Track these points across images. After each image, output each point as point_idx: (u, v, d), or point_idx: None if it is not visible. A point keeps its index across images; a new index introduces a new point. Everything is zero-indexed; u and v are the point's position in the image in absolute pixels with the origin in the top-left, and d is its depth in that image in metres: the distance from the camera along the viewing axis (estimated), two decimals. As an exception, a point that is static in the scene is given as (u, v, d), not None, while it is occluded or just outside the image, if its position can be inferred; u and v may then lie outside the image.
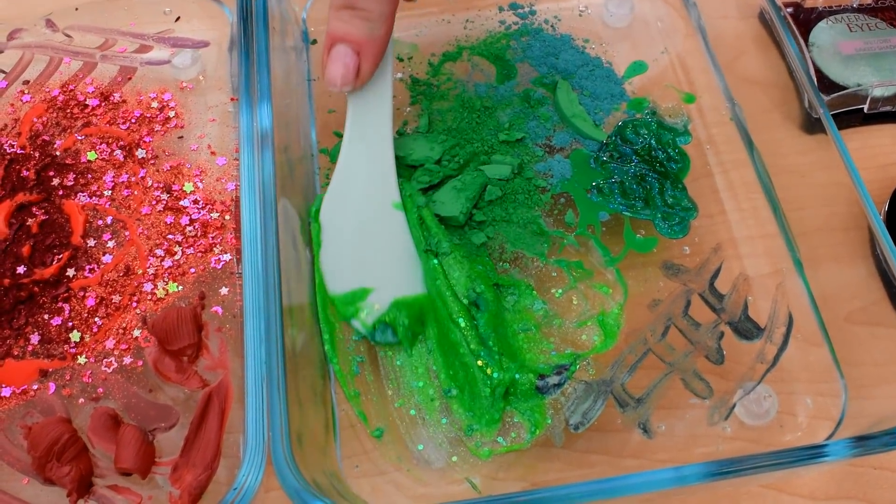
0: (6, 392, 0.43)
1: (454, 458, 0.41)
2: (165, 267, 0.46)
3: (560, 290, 0.45)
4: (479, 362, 0.42)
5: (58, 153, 0.50)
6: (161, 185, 0.48)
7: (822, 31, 0.55)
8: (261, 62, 0.46)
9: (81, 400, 0.43)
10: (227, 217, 0.47)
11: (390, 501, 0.40)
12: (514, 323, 0.44)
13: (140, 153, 0.49)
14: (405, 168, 0.48)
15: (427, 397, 0.43)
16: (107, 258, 0.46)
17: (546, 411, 0.42)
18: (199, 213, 0.47)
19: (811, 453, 0.36)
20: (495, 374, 0.42)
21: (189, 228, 0.47)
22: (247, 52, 0.46)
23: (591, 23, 0.55)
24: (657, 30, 0.55)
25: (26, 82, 0.53)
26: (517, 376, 0.42)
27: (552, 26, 0.54)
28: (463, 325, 0.43)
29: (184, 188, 0.48)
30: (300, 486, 0.34)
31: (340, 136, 0.49)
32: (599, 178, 0.48)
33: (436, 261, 0.44)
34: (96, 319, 0.44)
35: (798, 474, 0.43)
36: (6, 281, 0.45)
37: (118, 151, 0.50)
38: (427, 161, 0.48)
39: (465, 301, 0.43)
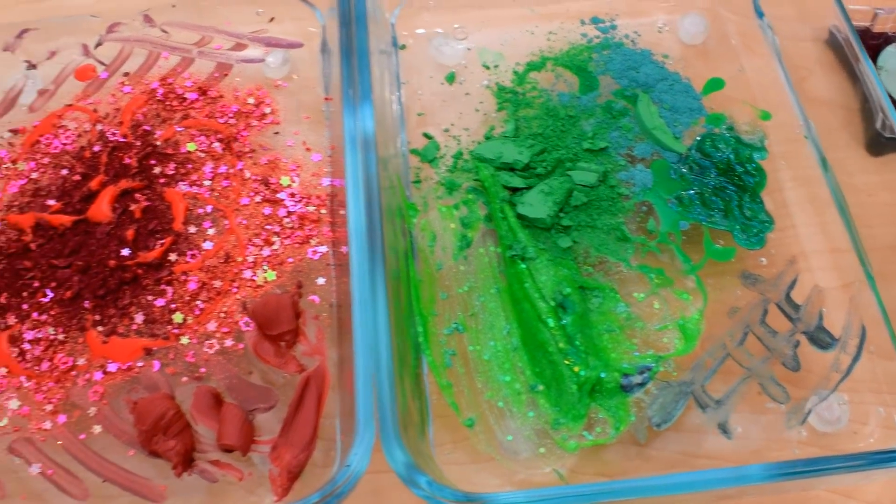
0: (112, 368, 0.45)
1: (541, 450, 0.43)
2: (264, 256, 0.48)
3: (642, 295, 0.47)
4: (567, 360, 0.44)
5: (158, 143, 0.52)
6: (258, 178, 0.50)
7: (891, 56, 0.57)
8: (361, 64, 0.48)
9: (185, 378, 0.44)
10: (323, 211, 0.49)
11: (481, 487, 0.42)
12: (598, 324, 0.46)
13: (237, 146, 0.51)
14: (494, 170, 0.50)
15: (514, 391, 0.45)
16: (207, 245, 0.48)
17: (630, 409, 0.44)
18: (296, 205, 0.49)
19: (881, 458, 0.38)
20: (582, 372, 0.43)
21: (286, 220, 0.49)
22: (347, 55, 0.48)
23: (669, 39, 0.57)
24: (732, 48, 0.57)
25: (126, 74, 0.55)
26: (602, 374, 0.44)
27: (632, 41, 0.56)
28: (551, 325, 0.45)
29: (280, 181, 0.50)
30: (410, 463, 0.36)
31: (429, 137, 0.52)
32: (679, 189, 0.50)
33: (523, 265, 0.47)
34: (198, 303, 0.46)
35: (868, 479, 0.44)
36: (111, 262, 0.47)
37: (217, 144, 0.52)
38: (516, 164, 0.50)
39: (553, 303, 0.45)
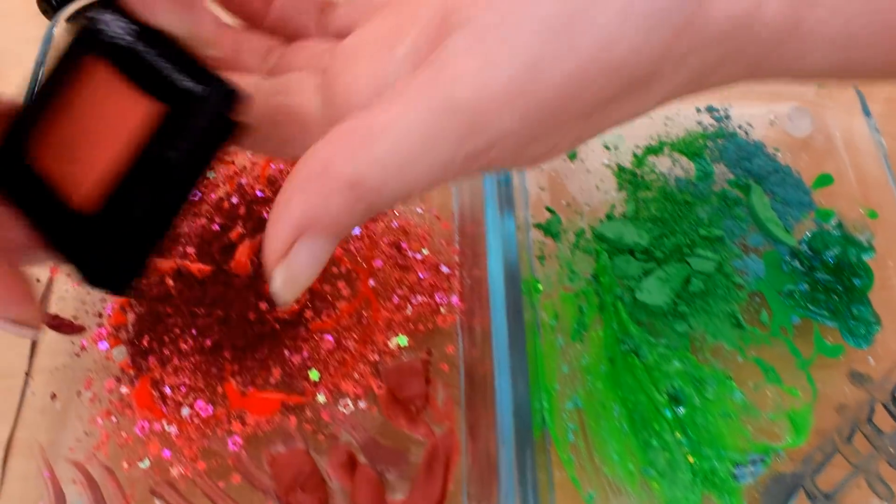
0: (250, 419, 0.47)
1: (658, 531, 0.45)
2: (396, 320, 0.50)
3: (756, 384, 0.49)
4: (683, 449, 0.46)
5: (293, 199, 0.54)
6: (391, 242, 0.53)
7: None
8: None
9: (321, 436, 0.47)
10: (453, 281, 0.51)
11: (603, 564, 0.44)
12: (713, 410, 0.48)
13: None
14: (613, 255, 0.53)
15: (628, 471, 0.47)
16: (341, 304, 0.50)
17: (742, 498, 0.46)
18: (427, 272, 0.51)
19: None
20: (695, 461, 0.46)
21: (418, 286, 0.51)
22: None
23: (780, 131, 0.59)
24: (838, 144, 0.59)
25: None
26: (715, 464, 0.46)
27: (745, 132, 0.58)
28: (667, 417, 0.47)
29: (412, 247, 0.52)
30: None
31: (552, 211, 0.54)
32: (790, 283, 0.52)
33: (638, 361, 0.49)
34: (333, 362, 0.49)
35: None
36: (251, 315, 0.49)
37: (350, 204, 0.54)
38: (636, 247, 0.52)
39: (666, 396, 0.48)
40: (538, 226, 0.54)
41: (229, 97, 0.24)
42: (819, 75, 0.25)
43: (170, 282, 0.51)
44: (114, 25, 0.25)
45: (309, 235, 0.22)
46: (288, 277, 0.22)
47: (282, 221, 0.22)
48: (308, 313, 0.50)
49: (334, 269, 0.52)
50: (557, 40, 0.20)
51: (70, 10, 0.30)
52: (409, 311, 0.50)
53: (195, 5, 0.24)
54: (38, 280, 0.52)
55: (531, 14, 0.20)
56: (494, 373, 0.43)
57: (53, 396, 0.48)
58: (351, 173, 0.21)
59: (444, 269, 0.52)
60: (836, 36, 0.23)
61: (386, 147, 0.21)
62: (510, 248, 0.46)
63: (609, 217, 0.54)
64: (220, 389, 0.48)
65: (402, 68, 0.23)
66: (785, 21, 0.23)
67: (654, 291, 0.51)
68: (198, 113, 0.24)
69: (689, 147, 0.57)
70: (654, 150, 0.57)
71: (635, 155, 0.57)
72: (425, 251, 0.52)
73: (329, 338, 0.49)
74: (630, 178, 0.56)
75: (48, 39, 0.46)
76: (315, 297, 0.51)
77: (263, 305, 0.50)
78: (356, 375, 0.48)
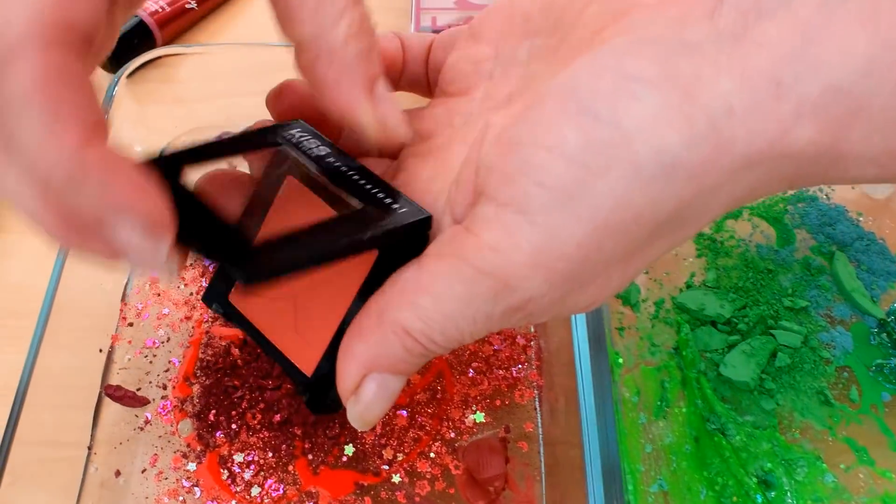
0: (323, 501, 0.45)
1: None
2: (472, 395, 0.48)
3: (847, 466, 0.47)
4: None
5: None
6: (464, 311, 0.51)
7: None
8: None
9: (396, 519, 0.45)
10: (530, 353, 0.49)
11: None
12: (804, 494, 0.46)
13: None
14: (695, 321, 0.51)
15: (719, 559, 0.45)
16: (415, 378, 0.48)
17: (840, 588, 0.44)
18: (502, 344, 0.49)
19: None
20: (792, 546, 0.43)
21: (493, 358, 0.49)
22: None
23: (860, 193, 0.57)
24: (920, 206, 0.57)
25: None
26: (811, 549, 0.44)
27: (826, 195, 0.56)
28: (759, 501, 0.45)
29: (485, 316, 0.50)
30: None
31: (629, 280, 0.52)
32: (879, 357, 0.50)
33: (723, 439, 0.47)
34: (407, 440, 0.47)
35: None
36: (322, 389, 0.47)
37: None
38: (719, 318, 0.50)
39: (755, 479, 0.46)
40: (617, 295, 0.52)
41: (427, 223, 0.26)
42: (869, 181, 0.24)
43: (235, 351, 0.49)
44: (304, 142, 0.28)
45: (375, 373, 0.24)
46: (360, 410, 0.25)
47: (348, 361, 0.24)
48: (380, 387, 0.48)
49: (406, 340, 0.50)
50: (568, 209, 0.21)
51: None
52: (484, 385, 0.48)
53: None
54: (100, 350, 0.50)
55: (541, 185, 0.21)
56: (584, 452, 0.41)
57: (118, 473, 0.47)
58: (402, 320, 0.23)
59: (520, 339, 0.50)
60: (878, 154, 0.22)
61: (429, 303, 0.23)
62: (596, 314, 0.45)
63: (689, 286, 0.52)
64: (290, 468, 0.46)
65: (443, 216, 0.26)
66: (819, 145, 0.22)
67: (739, 366, 0.49)
68: (405, 251, 0.26)
69: (769, 211, 0.56)
70: (733, 215, 0.56)
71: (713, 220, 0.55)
72: (500, 321, 0.50)
73: (403, 413, 0.47)
74: (709, 244, 0.54)
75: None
76: (387, 369, 0.49)
77: (334, 378, 0.48)
78: (432, 454, 0.46)
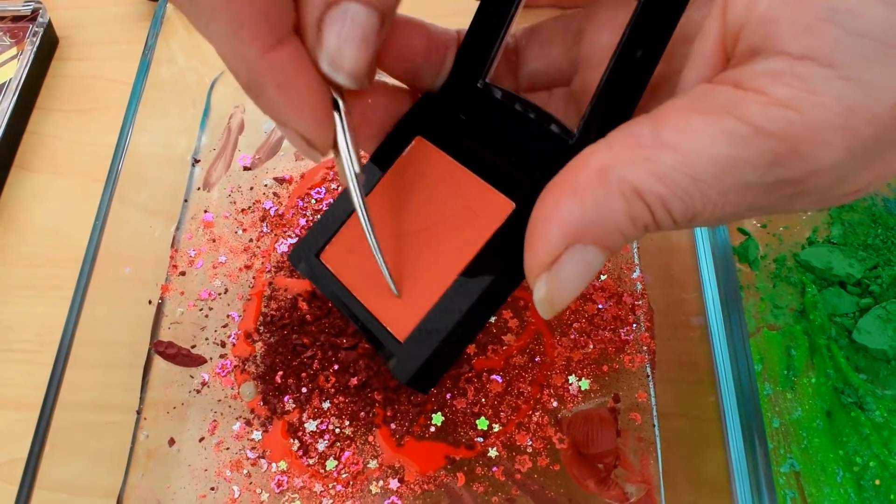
0: (410, 476, 0.39)
1: None
2: (575, 359, 0.42)
3: None
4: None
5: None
6: (562, 265, 0.45)
7: None
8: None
9: (495, 498, 0.39)
10: (639, 313, 0.43)
11: None
12: (957, 479, 0.40)
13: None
14: (821, 282, 0.45)
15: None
16: (509, 339, 0.43)
17: None
18: (606, 303, 0.44)
19: None
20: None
21: (598, 318, 0.43)
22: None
23: None
24: None
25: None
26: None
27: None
28: (907, 481, 0.39)
29: (586, 271, 0.44)
30: None
31: (746, 233, 0.46)
32: None
33: (862, 415, 0.41)
34: (503, 408, 0.41)
35: None
36: (405, 350, 0.41)
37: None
38: (848, 279, 0.44)
39: None
40: (734, 250, 0.46)
41: None
42: None
43: (304, 305, 0.43)
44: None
45: (582, 243, 0.20)
46: (554, 289, 0.21)
47: (551, 226, 0.20)
48: (471, 348, 0.42)
49: (497, 296, 0.44)
50: (891, 62, 0.17)
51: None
52: (589, 348, 0.42)
53: None
54: (149, 302, 0.44)
55: (855, 34, 0.17)
56: (725, 425, 0.35)
57: (171, 442, 0.41)
58: (633, 180, 0.19)
59: (627, 298, 0.44)
60: None
61: (675, 161, 0.18)
62: (727, 269, 0.39)
63: (811, 241, 0.46)
64: (371, 438, 0.40)
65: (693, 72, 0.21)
66: None
67: (874, 332, 0.43)
68: None
69: (896, 161, 0.49)
70: (855, 165, 0.49)
71: (834, 169, 0.49)
72: (603, 277, 0.44)
73: (497, 378, 0.41)
74: (831, 197, 0.48)
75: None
76: (477, 328, 0.43)
77: (417, 338, 0.42)
78: (532, 426, 0.40)
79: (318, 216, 0.44)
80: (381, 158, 0.27)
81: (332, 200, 0.44)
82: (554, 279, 0.20)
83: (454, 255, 0.25)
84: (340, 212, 0.28)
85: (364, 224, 0.25)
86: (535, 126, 0.25)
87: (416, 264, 0.26)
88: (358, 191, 0.24)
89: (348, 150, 0.23)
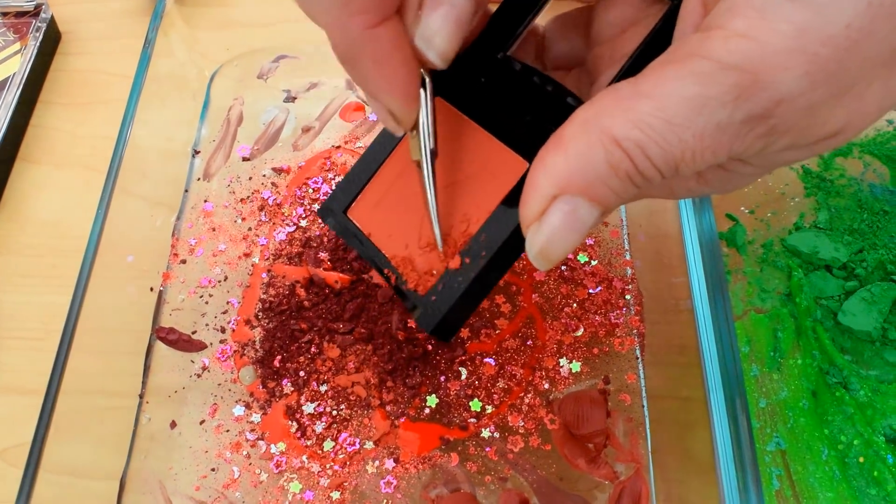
0: (405, 456, 0.40)
1: None
2: (566, 343, 0.43)
3: (983, 424, 0.42)
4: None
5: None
6: (553, 251, 0.46)
7: None
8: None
9: (488, 477, 0.40)
10: (629, 297, 0.44)
11: None
12: (939, 455, 0.41)
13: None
14: (807, 265, 0.46)
15: (843, 522, 0.40)
16: (501, 322, 0.44)
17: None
18: (597, 287, 0.45)
19: None
20: (927, 512, 0.39)
21: (588, 303, 0.44)
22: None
23: (978, 132, 0.52)
24: None
25: (398, 118, 0.51)
26: (946, 515, 0.39)
27: (943, 132, 0.51)
28: (891, 462, 0.40)
29: (577, 258, 0.45)
30: None
31: (734, 219, 0.47)
32: None
33: (846, 394, 0.42)
34: (496, 390, 0.42)
35: None
36: (401, 334, 0.43)
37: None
38: (834, 263, 0.45)
39: (882, 437, 0.41)
40: (721, 235, 0.47)
41: None
42: None
43: (301, 292, 0.44)
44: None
45: (568, 194, 0.20)
46: (542, 241, 0.21)
47: (540, 175, 0.21)
48: (464, 332, 0.43)
49: (490, 282, 0.45)
50: None
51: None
52: (580, 332, 0.43)
53: None
54: (150, 289, 0.45)
55: None
56: (710, 405, 0.36)
57: (173, 425, 0.42)
58: (611, 128, 0.19)
59: (618, 283, 0.45)
60: None
61: (649, 107, 0.19)
62: (713, 254, 0.40)
63: (798, 227, 0.47)
64: (367, 420, 0.41)
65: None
66: None
67: (859, 314, 0.44)
68: None
69: (881, 149, 0.50)
70: (841, 152, 0.50)
71: (821, 157, 0.50)
72: (594, 262, 0.45)
73: (490, 361, 0.42)
74: (818, 183, 0.49)
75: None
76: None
77: (412, 322, 0.43)
78: (524, 407, 0.41)
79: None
80: None
81: (327, 188, 0.45)
82: (544, 229, 0.21)
83: (472, 211, 0.26)
84: (366, 169, 0.29)
85: (429, 197, 0.26)
86: (551, 97, 0.26)
87: (441, 217, 0.27)
88: (430, 166, 0.25)
89: (427, 128, 0.25)
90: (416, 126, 0.25)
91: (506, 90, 0.27)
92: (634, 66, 0.25)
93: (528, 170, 0.25)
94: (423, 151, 0.25)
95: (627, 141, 0.19)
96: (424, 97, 0.24)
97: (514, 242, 0.26)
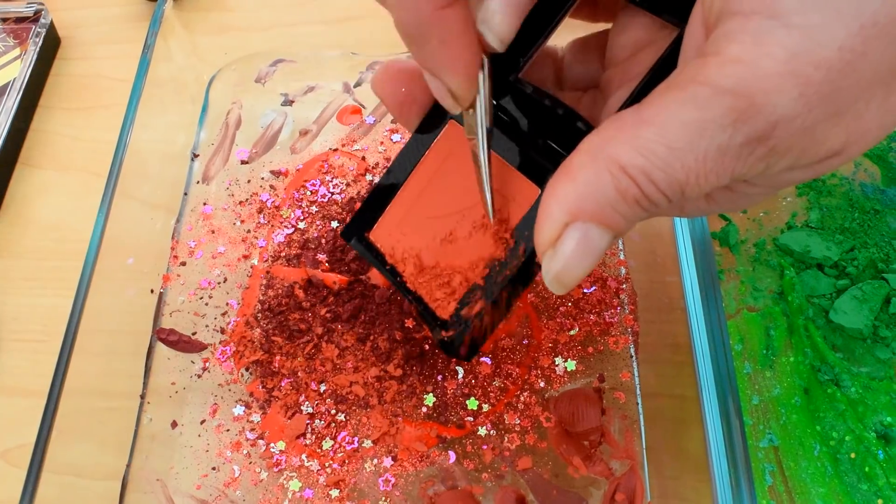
0: (403, 455, 0.41)
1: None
2: (561, 342, 0.44)
3: (973, 420, 0.43)
4: (902, 493, 0.40)
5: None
6: (548, 251, 0.46)
7: None
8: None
9: (484, 475, 0.41)
10: (623, 296, 0.45)
11: None
12: (929, 450, 0.42)
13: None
14: (799, 264, 0.47)
15: (835, 518, 0.41)
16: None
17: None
18: (592, 286, 0.45)
19: None
20: (916, 507, 0.39)
21: (583, 302, 0.45)
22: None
23: (968, 132, 0.53)
24: None
25: (395, 121, 0.51)
26: (938, 509, 0.40)
27: (933, 131, 0.52)
28: (882, 458, 0.41)
29: (572, 257, 0.46)
30: None
31: (727, 219, 0.48)
32: None
33: (838, 391, 0.43)
34: (493, 389, 0.42)
35: None
36: (398, 334, 0.43)
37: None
38: (825, 261, 0.46)
39: (874, 433, 0.42)
40: (714, 235, 0.48)
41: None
42: None
43: (300, 293, 0.45)
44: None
45: (580, 221, 0.21)
46: (558, 267, 0.22)
47: (552, 204, 0.21)
48: (461, 332, 0.44)
49: (486, 282, 0.45)
50: (829, 6, 0.18)
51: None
52: (575, 331, 0.44)
53: None
54: (150, 291, 0.46)
55: None
56: (703, 403, 0.37)
57: (174, 424, 0.42)
58: (617, 155, 0.20)
59: (612, 283, 0.45)
60: None
61: (652, 134, 0.20)
62: (705, 253, 0.40)
63: (790, 226, 0.48)
64: (365, 419, 0.42)
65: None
66: None
67: (850, 312, 0.44)
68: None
69: (872, 149, 0.51)
70: (833, 151, 0.51)
71: (813, 156, 0.51)
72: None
73: (486, 360, 0.43)
74: (809, 182, 0.50)
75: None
76: (467, 313, 0.45)
77: (410, 322, 0.44)
78: (520, 405, 0.42)
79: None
80: (421, 137, 0.30)
81: (325, 190, 0.46)
82: (559, 256, 0.22)
83: (486, 237, 0.27)
84: (386, 192, 0.30)
85: (483, 172, 0.26)
86: (562, 121, 0.27)
87: (454, 244, 0.28)
88: (485, 143, 0.26)
89: (483, 108, 0.25)
90: (472, 105, 0.26)
91: (517, 113, 0.28)
92: (643, 92, 0.25)
93: (540, 195, 0.26)
94: (480, 129, 0.26)
95: (633, 167, 0.20)
96: (483, 78, 0.25)
97: (527, 267, 0.27)
